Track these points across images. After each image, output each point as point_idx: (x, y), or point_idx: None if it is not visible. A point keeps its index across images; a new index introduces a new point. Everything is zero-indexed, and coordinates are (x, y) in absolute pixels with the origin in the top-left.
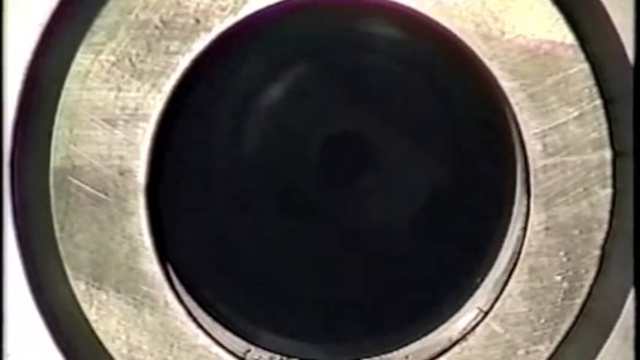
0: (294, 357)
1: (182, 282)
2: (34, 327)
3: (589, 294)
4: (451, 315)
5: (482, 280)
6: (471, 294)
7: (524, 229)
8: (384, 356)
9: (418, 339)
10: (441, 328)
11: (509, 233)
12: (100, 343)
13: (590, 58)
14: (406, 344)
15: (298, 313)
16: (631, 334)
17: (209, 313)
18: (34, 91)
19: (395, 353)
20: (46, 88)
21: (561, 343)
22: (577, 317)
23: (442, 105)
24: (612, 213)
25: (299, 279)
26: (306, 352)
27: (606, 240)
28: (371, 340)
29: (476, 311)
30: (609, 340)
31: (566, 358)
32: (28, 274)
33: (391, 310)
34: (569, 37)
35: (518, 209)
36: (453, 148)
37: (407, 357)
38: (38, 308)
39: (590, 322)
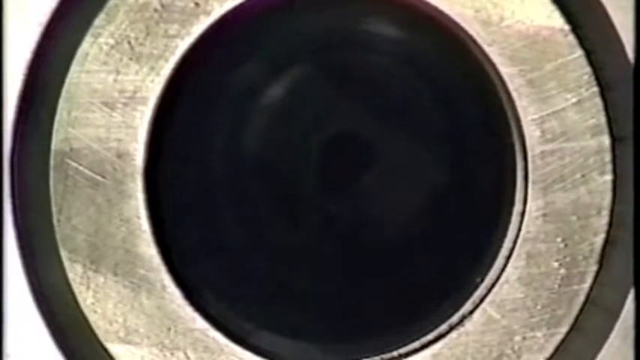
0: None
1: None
2: (34, 327)
3: (594, 281)
4: (451, 315)
5: (482, 280)
6: (470, 294)
7: (522, 214)
8: (383, 356)
9: (418, 339)
10: (440, 328)
11: (508, 233)
12: (94, 333)
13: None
14: (406, 344)
15: (298, 313)
16: (631, 334)
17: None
18: (34, 90)
19: (395, 353)
20: (46, 86)
21: (569, 332)
22: (583, 305)
23: (442, 105)
24: (614, 200)
25: (298, 278)
26: (306, 352)
27: (610, 227)
28: (371, 340)
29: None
30: (609, 340)
31: (574, 346)
32: (28, 274)
33: (391, 310)
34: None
35: (517, 209)
36: (453, 149)
37: None
38: (38, 308)
39: (597, 310)
